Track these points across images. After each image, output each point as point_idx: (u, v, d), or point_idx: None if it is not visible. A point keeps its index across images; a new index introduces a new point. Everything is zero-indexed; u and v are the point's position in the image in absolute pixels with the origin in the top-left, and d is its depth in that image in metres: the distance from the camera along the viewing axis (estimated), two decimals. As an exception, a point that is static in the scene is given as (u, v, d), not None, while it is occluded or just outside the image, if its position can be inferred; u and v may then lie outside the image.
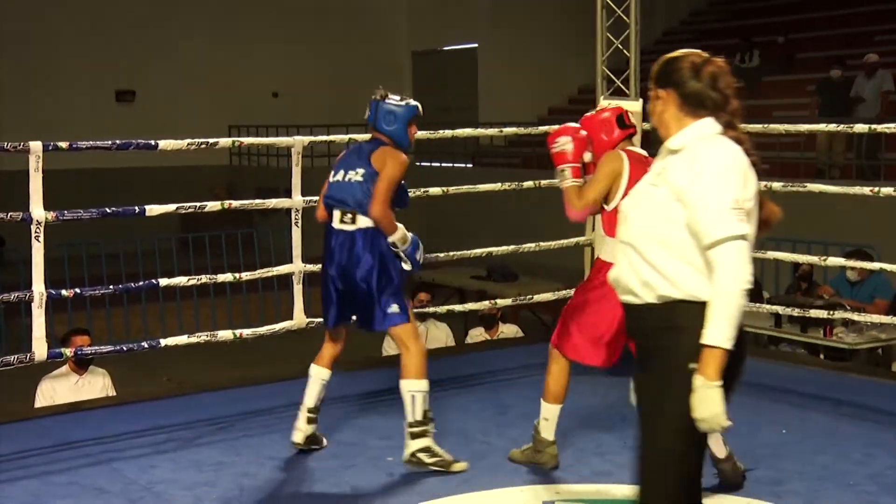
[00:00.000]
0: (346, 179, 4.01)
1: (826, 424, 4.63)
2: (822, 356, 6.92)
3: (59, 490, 3.88)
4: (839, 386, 5.28)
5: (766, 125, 6.04)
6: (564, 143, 3.79)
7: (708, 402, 2.34)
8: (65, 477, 4.01)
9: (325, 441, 4.31)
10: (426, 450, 3.93)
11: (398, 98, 4.10)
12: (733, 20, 16.37)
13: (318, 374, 4.19)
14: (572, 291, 6.24)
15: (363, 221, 3.96)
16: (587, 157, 3.84)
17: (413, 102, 4.12)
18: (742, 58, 14.11)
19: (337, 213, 4.02)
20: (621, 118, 3.90)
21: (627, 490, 3.83)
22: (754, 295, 7.80)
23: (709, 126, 2.51)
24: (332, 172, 4.11)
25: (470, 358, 6.14)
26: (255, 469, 4.08)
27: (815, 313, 5.90)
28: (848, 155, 11.22)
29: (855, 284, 7.49)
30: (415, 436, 3.93)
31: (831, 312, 5.94)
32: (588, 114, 4.03)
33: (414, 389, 3.92)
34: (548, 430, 3.97)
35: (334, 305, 4.07)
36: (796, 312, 5.95)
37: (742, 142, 2.50)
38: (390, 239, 3.97)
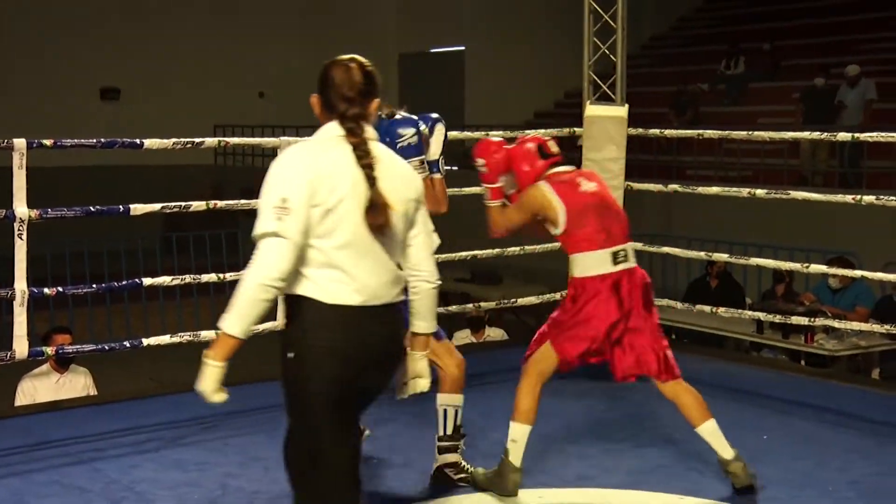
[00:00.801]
0: None
1: (807, 430, 4.66)
2: (803, 362, 6.97)
3: (41, 489, 3.86)
4: (820, 392, 5.31)
5: (750, 132, 6.06)
6: (480, 166, 3.91)
7: (203, 377, 2.57)
8: (46, 475, 3.99)
9: (366, 432, 4.30)
10: (453, 465, 3.86)
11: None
12: (721, 26, 16.45)
13: None
14: (557, 295, 6.34)
15: None
16: (509, 188, 3.91)
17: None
18: (728, 64, 14.18)
19: None
20: (541, 148, 3.86)
21: (611, 495, 3.85)
22: (737, 301, 7.87)
23: (329, 130, 2.61)
24: None
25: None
26: (240, 469, 4.07)
27: (796, 320, 5.94)
28: (831, 162, 11.30)
29: (837, 292, 7.54)
30: (442, 450, 3.86)
31: (812, 319, 5.98)
32: (513, 145, 3.98)
33: (447, 404, 3.84)
34: (516, 455, 3.78)
35: None
36: (778, 319, 5.98)
37: (357, 146, 2.55)
38: None
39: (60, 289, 4.79)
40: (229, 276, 5.14)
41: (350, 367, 2.54)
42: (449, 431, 3.85)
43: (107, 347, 4.85)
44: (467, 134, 6.61)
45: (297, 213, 2.46)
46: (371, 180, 2.52)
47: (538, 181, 3.82)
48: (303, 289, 2.54)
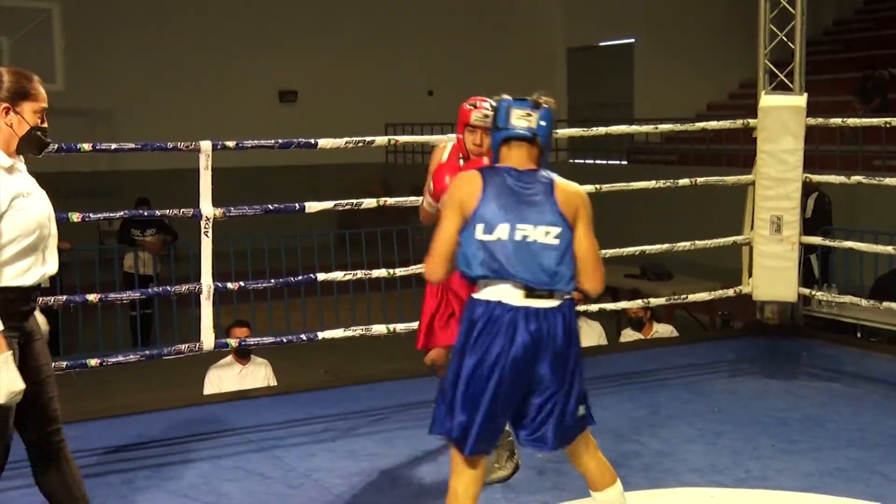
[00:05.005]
0: (524, 239, 2.84)
1: None
2: None
3: (226, 473, 4.06)
4: None
5: (943, 118, 5.67)
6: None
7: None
8: (231, 461, 4.20)
9: None
10: None
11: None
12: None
13: None
14: (730, 291, 6.14)
15: (559, 297, 3.01)
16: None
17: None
18: (920, 47, 13.32)
19: (521, 290, 2.88)
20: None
21: (785, 498, 3.70)
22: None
23: None
24: (481, 225, 2.82)
25: (622, 357, 6.06)
26: (409, 461, 4.15)
27: None
28: None
29: None
30: None
31: None
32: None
33: None
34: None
35: (498, 415, 2.87)
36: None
37: None
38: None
39: (242, 283, 5.03)
40: (399, 271, 5.26)
41: None
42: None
43: (284, 340, 5.06)
44: (636, 128, 6.52)
45: None
46: None
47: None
48: None
